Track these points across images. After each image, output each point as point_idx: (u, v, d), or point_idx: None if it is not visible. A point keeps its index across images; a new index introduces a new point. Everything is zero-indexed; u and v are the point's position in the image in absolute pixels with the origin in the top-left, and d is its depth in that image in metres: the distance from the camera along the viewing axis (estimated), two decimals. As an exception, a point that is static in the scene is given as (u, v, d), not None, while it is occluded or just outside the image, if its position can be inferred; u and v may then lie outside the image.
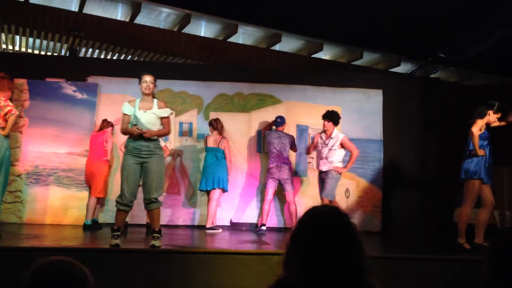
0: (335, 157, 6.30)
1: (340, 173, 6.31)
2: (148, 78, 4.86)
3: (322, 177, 6.35)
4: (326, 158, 6.30)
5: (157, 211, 4.79)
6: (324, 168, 6.31)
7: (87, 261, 1.61)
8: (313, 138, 6.74)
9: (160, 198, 4.90)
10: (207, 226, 6.73)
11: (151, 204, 4.75)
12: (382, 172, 7.75)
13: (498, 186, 6.46)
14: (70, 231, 6.16)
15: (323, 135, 6.43)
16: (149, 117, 4.78)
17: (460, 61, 8.66)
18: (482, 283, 1.54)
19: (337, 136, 6.35)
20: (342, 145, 6.35)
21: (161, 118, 4.87)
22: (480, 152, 5.34)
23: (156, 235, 4.67)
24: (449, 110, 7.68)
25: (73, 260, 1.52)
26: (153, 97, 4.93)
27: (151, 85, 4.87)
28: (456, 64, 9.48)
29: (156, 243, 4.61)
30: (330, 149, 6.29)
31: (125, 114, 4.84)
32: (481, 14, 7.47)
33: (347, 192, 7.69)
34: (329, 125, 6.35)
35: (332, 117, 6.37)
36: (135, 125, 4.71)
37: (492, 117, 5.50)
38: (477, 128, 5.39)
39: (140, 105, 4.83)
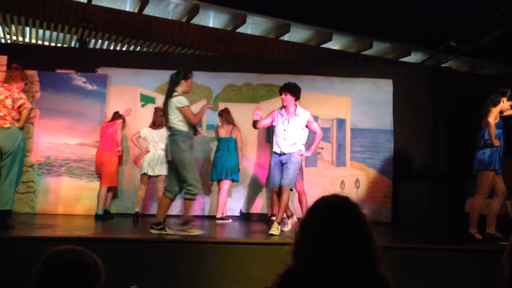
0: (301, 139, 5.55)
1: (301, 157, 5.59)
2: None
3: (281, 160, 5.48)
4: (290, 138, 5.47)
5: None
6: (286, 150, 5.45)
7: (99, 251, 1.63)
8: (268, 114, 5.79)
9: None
10: (217, 216, 6.77)
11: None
12: (393, 163, 7.72)
13: (511, 176, 6.40)
14: (82, 221, 6.23)
15: (284, 112, 5.56)
16: None
17: (472, 50, 8.54)
18: (501, 273, 1.53)
19: (302, 113, 5.55)
20: (307, 125, 5.55)
21: None
22: (496, 143, 5.28)
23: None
24: (461, 99, 7.61)
25: (84, 249, 1.54)
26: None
27: None
28: (467, 53, 9.36)
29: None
30: (295, 128, 5.50)
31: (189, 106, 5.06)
32: (493, 3, 7.36)
33: (357, 182, 7.68)
34: (288, 98, 5.48)
35: (289, 88, 5.49)
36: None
37: (505, 104, 5.43)
38: (493, 117, 5.32)
39: None
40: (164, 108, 5.07)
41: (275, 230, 5.21)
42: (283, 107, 5.56)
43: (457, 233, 5.95)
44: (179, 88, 5.02)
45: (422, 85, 7.92)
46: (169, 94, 5.00)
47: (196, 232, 4.91)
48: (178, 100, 4.93)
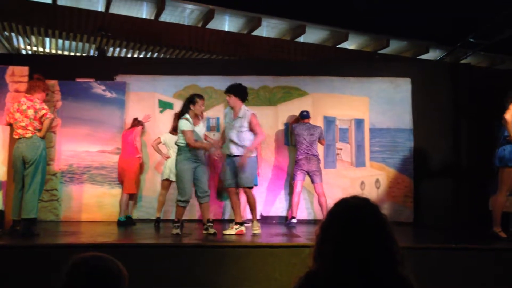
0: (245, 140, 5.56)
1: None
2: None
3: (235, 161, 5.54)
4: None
5: None
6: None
7: (122, 257, 1.65)
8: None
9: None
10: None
11: None
12: (413, 162, 7.63)
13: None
14: (104, 228, 6.30)
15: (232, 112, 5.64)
16: None
17: (491, 45, 8.42)
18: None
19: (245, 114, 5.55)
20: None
21: None
22: (516, 139, 5.19)
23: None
24: (481, 96, 7.48)
25: (107, 255, 1.57)
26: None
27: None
28: (487, 48, 9.22)
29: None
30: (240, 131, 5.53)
31: None
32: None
33: (377, 182, 7.61)
34: (233, 99, 5.54)
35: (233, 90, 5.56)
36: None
37: None
38: (510, 113, 5.23)
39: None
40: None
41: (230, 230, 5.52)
42: (231, 107, 5.63)
43: (481, 231, 5.85)
44: (191, 112, 5.56)
45: (441, 82, 7.82)
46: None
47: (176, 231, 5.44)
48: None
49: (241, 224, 5.54)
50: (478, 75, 8.33)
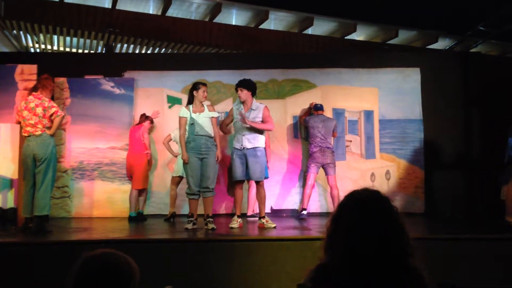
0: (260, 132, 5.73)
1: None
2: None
3: (246, 154, 5.62)
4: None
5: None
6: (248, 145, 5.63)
7: (134, 252, 1.65)
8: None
9: None
10: (248, 213, 6.78)
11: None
12: (423, 152, 7.58)
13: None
14: (116, 223, 6.34)
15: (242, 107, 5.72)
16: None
17: (502, 33, 8.31)
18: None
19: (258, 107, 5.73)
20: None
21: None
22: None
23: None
24: (492, 85, 7.40)
25: (117, 251, 1.57)
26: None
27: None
28: (497, 36, 9.10)
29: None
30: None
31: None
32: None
33: (387, 174, 7.58)
34: (245, 93, 5.67)
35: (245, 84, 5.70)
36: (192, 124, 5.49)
37: None
38: None
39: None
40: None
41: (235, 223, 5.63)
42: (242, 102, 5.74)
43: (493, 221, 5.80)
44: (195, 100, 5.59)
45: (451, 72, 7.74)
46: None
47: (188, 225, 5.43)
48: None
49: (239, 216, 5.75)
50: (489, 64, 8.23)
